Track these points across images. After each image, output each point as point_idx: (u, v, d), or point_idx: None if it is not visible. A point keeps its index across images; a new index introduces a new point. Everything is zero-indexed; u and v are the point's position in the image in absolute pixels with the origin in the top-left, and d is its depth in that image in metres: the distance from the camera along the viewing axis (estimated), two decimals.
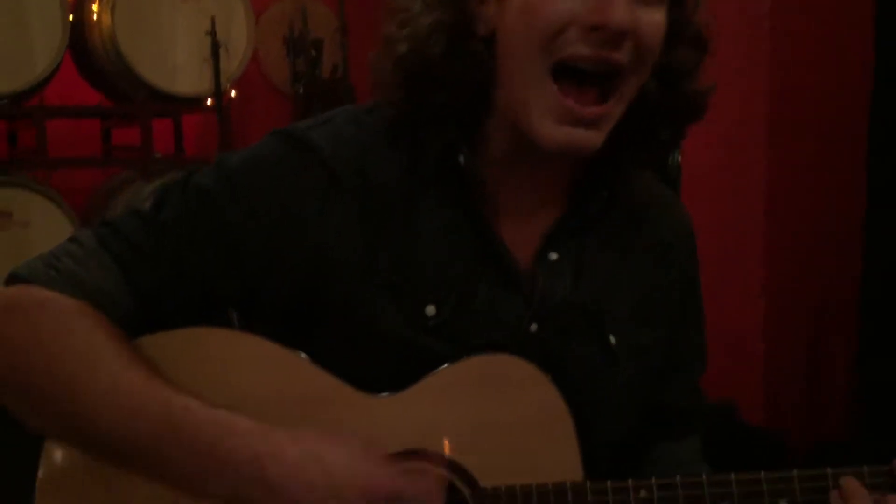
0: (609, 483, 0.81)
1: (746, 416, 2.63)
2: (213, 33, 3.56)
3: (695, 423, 1.01)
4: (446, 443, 0.80)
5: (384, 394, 0.81)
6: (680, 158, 3.08)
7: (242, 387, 0.79)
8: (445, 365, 0.82)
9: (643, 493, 0.81)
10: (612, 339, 0.88)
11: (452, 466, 0.80)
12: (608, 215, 0.91)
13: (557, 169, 0.87)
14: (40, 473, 0.77)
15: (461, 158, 0.83)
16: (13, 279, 0.81)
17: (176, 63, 3.94)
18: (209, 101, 4.02)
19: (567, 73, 0.76)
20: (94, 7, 3.88)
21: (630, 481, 0.82)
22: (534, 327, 0.85)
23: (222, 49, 3.60)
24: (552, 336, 0.86)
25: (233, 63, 4.02)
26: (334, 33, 4.28)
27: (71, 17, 3.74)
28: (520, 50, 0.77)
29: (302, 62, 4.35)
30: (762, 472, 0.87)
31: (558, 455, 0.82)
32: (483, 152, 0.85)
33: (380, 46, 0.84)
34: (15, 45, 3.59)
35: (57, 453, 0.77)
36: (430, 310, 0.82)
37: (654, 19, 0.78)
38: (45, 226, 3.68)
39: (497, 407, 0.82)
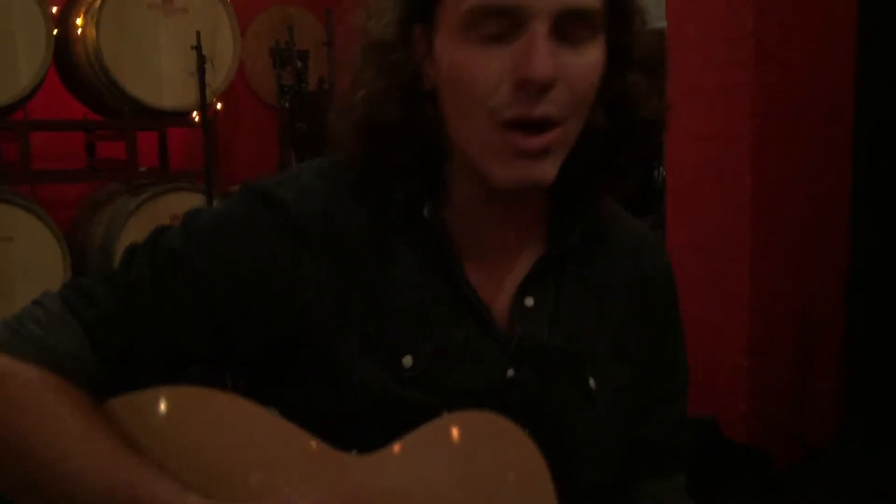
0: None
1: (731, 431, 2.63)
2: (198, 48, 3.54)
3: (679, 460, 0.99)
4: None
5: (358, 453, 0.79)
6: (665, 172, 3.10)
7: (213, 448, 0.78)
8: (424, 424, 0.79)
9: None
10: (591, 382, 0.87)
11: None
12: (584, 254, 0.89)
13: (525, 210, 0.86)
14: None
15: (425, 210, 0.82)
16: None
17: (161, 77, 3.92)
18: (195, 115, 4.00)
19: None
20: (79, 21, 3.86)
21: None
22: (511, 373, 0.84)
23: (208, 63, 3.58)
24: (531, 381, 0.85)
25: (218, 77, 4.01)
26: (320, 46, 4.28)
27: (55, 31, 3.72)
28: (461, 107, 0.78)
29: (288, 74, 4.35)
30: None
31: None
32: (448, 200, 0.85)
33: (337, 105, 0.84)
34: None
35: None
36: (407, 360, 0.81)
37: (585, 60, 0.76)
38: (29, 241, 3.66)
39: (475, 467, 0.80)
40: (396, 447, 0.79)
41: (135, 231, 3.91)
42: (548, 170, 0.78)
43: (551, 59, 0.73)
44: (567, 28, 0.74)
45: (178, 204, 4.02)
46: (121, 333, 0.80)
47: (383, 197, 0.83)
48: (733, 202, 2.67)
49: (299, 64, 4.34)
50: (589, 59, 0.77)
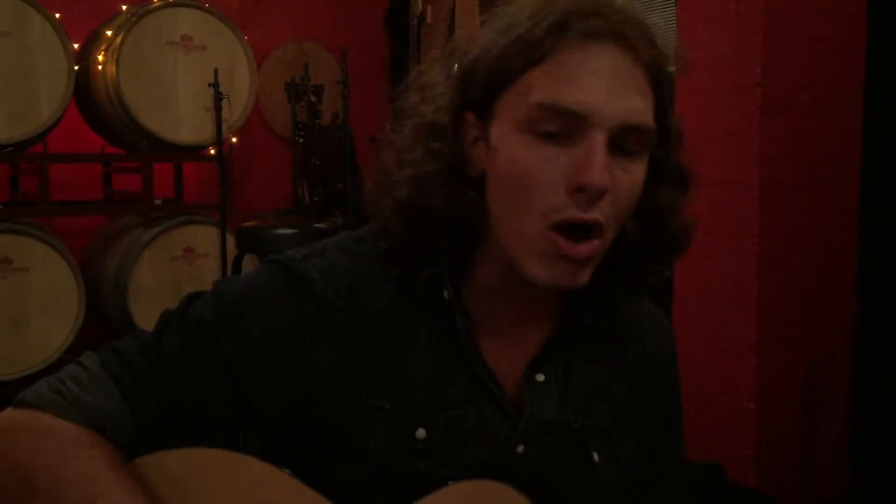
0: None
1: (738, 478, 2.64)
2: (215, 85, 3.61)
3: None
4: None
5: None
6: None
7: None
8: (434, 492, 0.83)
9: None
10: (596, 456, 0.91)
11: None
12: (595, 330, 0.93)
13: (543, 296, 0.90)
14: None
15: (445, 293, 0.86)
16: (21, 403, 0.85)
17: (179, 112, 4.00)
18: (211, 150, 4.06)
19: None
20: (100, 57, 3.94)
21: None
22: (521, 448, 0.88)
23: (224, 101, 3.65)
24: (538, 455, 0.88)
25: (235, 113, 4.08)
26: (335, 84, 4.35)
27: (77, 67, 3.80)
28: (512, 202, 0.80)
29: (302, 109, 4.42)
30: None
31: None
32: (470, 281, 0.88)
33: (376, 175, 0.88)
34: (21, 94, 3.65)
35: None
36: (420, 433, 0.84)
37: (633, 174, 0.80)
38: (46, 272, 3.71)
39: None
40: None
41: (149, 263, 3.96)
42: (585, 276, 0.81)
43: (607, 169, 0.76)
44: (622, 141, 0.78)
45: (193, 236, 4.07)
46: (153, 400, 0.85)
47: (407, 276, 0.86)
48: (740, 249, 2.69)
49: (313, 99, 4.41)
50: (637, 174, 0.80)
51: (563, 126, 0.77)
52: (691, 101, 2.80)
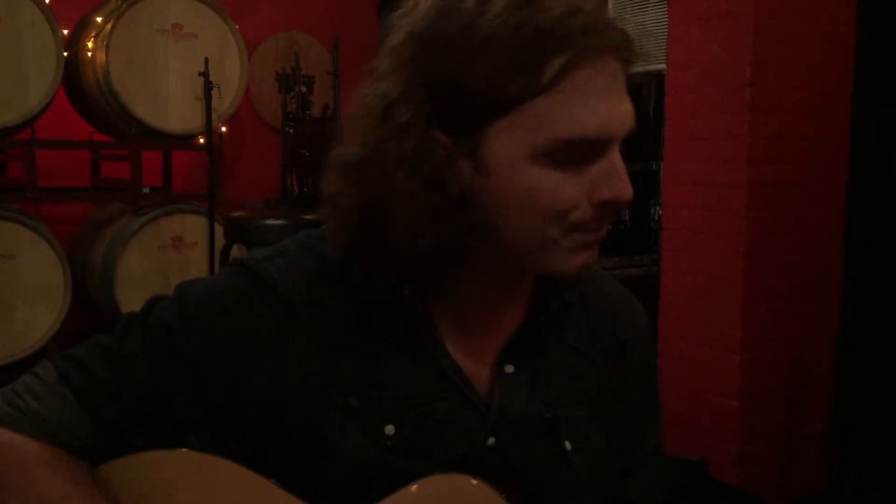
0: None
1: (721, 474, 2.66)
2: (205, 74, 3.60)
3: None
4: None
5: None
6: (661, 213, 3.15)
7: None
8: (404, 488, 0.83)
9: None
10: (568, 445, 0.90)
11: None
12: (564, 319, 0.93)
13: (516, 285, 0.90)
14: None
15: (406, 290, 0.86)
16: None
17: (168, 101, 3.98)
18: (200, 139, 4.05)
19: None
20: (90, 44, 3.91)
21: None
22: (492, 441, 0.87)
23: (215, 90, 3.63)
24: (510, 447, 0.88)
25: (225, 102, 4.06)
26: (326, 74, 4.34)
27: (66, 54, 3.77)
28: (527, 221, 0.79)
29: (293, 100, 4.41)
30: None
31: None
32: (429, 282, 0.86)
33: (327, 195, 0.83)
34: (9, 79, 3.62)
35: None
36: (390, 429, 0.84)
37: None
38: (32, 259, 3.69)
39: None
40: None
41: (137, 252, 3.95)
42: (597, 252, 0.83)
43: (628, 178, 0.78)
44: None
45: (181, 225, 4.06)
46: (116, 405, 0.84)
47: (367, 274, 0.85)
48: (727, 246, 2.71)
49: (304, 90, 4.39)
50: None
51: (587, 152, 0.77)
52: (682, 99, 2.81)
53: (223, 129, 4.30)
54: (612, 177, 0.77)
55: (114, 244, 3.93)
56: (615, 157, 0.78)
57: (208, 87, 3.60)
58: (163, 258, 4.00)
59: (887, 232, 2.77)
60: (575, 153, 0.76)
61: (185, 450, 0.84)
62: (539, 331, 0.91)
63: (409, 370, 0.86)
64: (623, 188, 0.77)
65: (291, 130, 4.22)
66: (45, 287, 3.72)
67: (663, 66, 2.94)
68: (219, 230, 3.76)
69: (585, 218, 0.78)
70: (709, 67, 2.68)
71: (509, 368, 0.89)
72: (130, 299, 3.88)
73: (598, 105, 0.75)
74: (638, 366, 0.99)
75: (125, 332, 0.87)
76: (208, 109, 3.64)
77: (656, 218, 3.50)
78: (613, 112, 0.76)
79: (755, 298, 2.71)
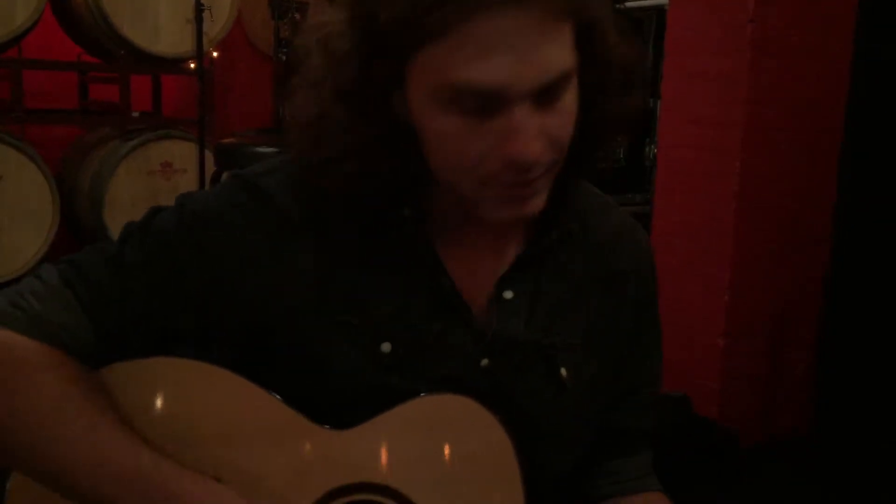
0: None
1: (702, 410, 2.71)
2: None
3: (644, 440, 1.04)
4: (393, 477, 0.83)
5: (331, 428, 0.84)
6: (656, 151, 3.13)
7: (199, 417, 0.83)
8: (398, 405, 0.84)
9: None
10: (563, 372, 0.91)
11: (398, 499, 0.84)
12: (564, 248, 0.93)
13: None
14: (10, 483, 0.81)
15: (406, 211, 0.86)
16: None
17: (158, 22, 3.89)
18: (191, 64, 3.97)
19: None
20: None
21: None
22: (485, 362, 0.88)
23: (206, 12, 3.55)
24: (503, 371, 0.89)
25: (216, 25, 3.97)
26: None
27: None
28: (447, 164, 0.79)
29: (286, 26, 4.32)
30: None
31: (503, 496, 0.85)
32: (430, 205, 0.87)
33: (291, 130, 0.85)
34: None
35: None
36: (386, 347, 0.85)
37: (564, 110, 0.77)
38: (19, 180, 3.65)
39: (445, 447, 0.85)
40: (369, 424, 0.84)
41: (125, 177, 3.91)
42: (538, 203, 0.81)
43: (537, 138, 0.74)
44: (545, 94, 0.74)
45: (170, 151, 4.02)
46: (114, 312, 0.84)
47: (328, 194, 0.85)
48: (721, 187, 2.70)
49: (297, 16, 4.30)
50: (568, 106, 0.77)
51: (483, 102, 0.74)
52: (681, 34, 2.76)
53: (214, 53, 4.22)
54: (512, 134, 0.74)
55: (102, 168, 3.89)
56: (520, 113, 0.73)
57: (199, 8, 3.51)
58: (152, 184, 3.97)
59: (879, 179, 2.77)
60: (472, 102, 0.74)
61: (176, 358, 0.85)
62: (540, 258, 0.91)
63: (408, 289, 0.86)
64: (520, 148, 0.73)
65: (284, 57, 4.14)
66: (32, 209, 3.69)
67: (666, 0, 2.89)
68: (209, 157, 3.71)
69: (494, 172, 0.76)
70: (711, 2, 2.63)
71: (508, 294, 0.90)
72: (118, 224, 3.82)
73: (493, 57, 0.72)
74: (637, 297, 0.98)
75: (126, 240, 0.87)
76: (199, 32, 3.56)
77: (651, 156, 3.47)
78: (511, 67, 0.72)
79: (746, 240, 2.71)
